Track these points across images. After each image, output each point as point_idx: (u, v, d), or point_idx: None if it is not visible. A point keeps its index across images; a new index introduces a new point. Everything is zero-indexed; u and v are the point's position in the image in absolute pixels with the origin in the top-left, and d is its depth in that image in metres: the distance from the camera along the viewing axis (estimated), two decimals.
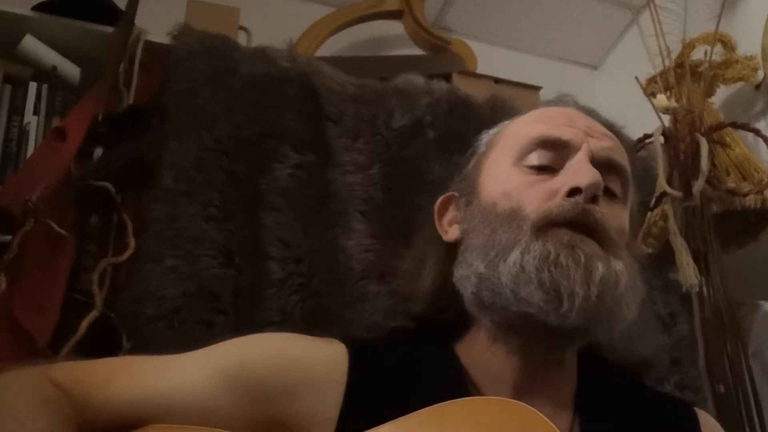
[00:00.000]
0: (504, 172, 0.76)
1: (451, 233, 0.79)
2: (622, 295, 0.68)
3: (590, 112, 0.81)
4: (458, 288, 0.75)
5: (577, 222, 0.68)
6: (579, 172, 0.71)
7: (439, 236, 0.81)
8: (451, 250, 0.77)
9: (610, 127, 0.81)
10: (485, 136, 0.85)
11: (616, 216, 0.73)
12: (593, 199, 0.70)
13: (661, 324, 1.19)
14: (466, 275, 0.73)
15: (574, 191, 0.70)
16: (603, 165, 0.73)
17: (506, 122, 0.84)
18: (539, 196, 0.71)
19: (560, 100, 0.85)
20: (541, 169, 0.74)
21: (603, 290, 0.66)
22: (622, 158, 0.77)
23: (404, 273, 0.87)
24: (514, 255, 0.67)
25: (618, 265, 0.68)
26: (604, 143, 0.76)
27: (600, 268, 0.66)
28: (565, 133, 0.75)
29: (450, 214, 0.81)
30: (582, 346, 0.75)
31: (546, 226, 0.68)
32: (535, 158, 0.74)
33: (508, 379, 0.71)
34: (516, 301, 0.67)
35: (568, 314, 0.65)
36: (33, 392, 0.61)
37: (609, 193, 0.74)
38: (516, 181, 0.73)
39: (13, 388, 0.61)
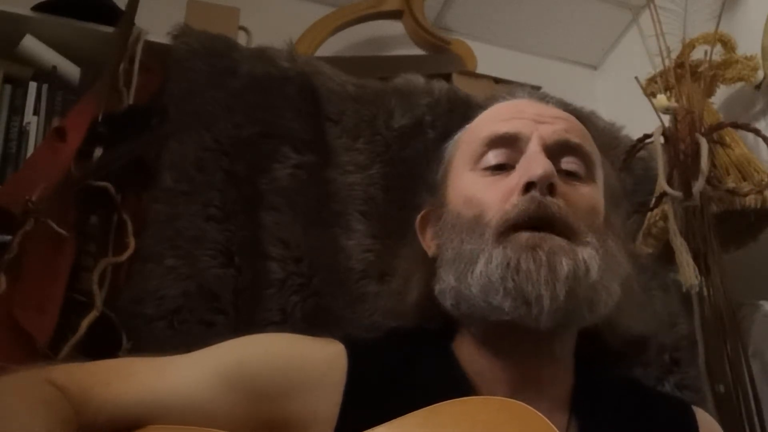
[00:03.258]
0: (464, 179, 0.75)
1: (432, 249, 0.79)
2: (596, 281, 0.67)
3: (543, 98, 0.81)
4: (440, 301, 0.75)
5: (536, 219, 0.68)
6: (530, 165, 0.70)
7: (424, 252, 0.80)
8: (433, 265, 0.77)
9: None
10: (449, 145, 0.84)
11: (581, 195, 0.72)
12: (550, 190, 0.69)
13: (661, 324, 1.19)
14: (443, 289, 0.73)
15: (528, 186, 0.69)
16: (557, 148, 0.73)
17: (466, 126, 0.84)
18: (498, 197, 0.70)
19: (510, 93, 0.84)
20: (499, 168, 0.73)
21: (572, 285, 0.65)
22: (579, 136, 0.76)
23: (392, 291, 0.87)
24: (480, 265, 0.67)
25: (586, 252, 0.67)
26: (555, 126, 0.75)
27: (564, 263, 0.65)
28: (512, 127, 0.74)
29: (430, 229, 0.81)
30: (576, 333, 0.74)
31: (507, 230, 0.68)
32: (490, 159, 0.74)
33: (503, 379, 0.71)
34: (490, 311, 0.68)
35: (540, 317, 0.65)
36: (32, 394, 0.61)
37: (569, 175, 0.73)
38: (475, 186, 0.73)
39: (12, 390, 0.61)
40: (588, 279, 0.66)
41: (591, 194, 0.74)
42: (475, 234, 0.70)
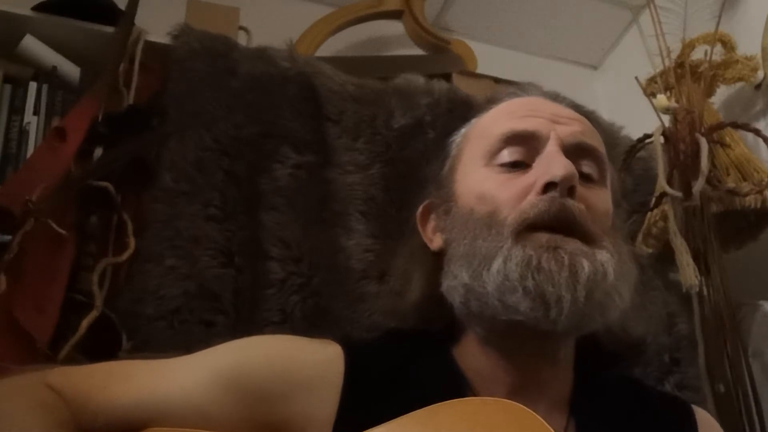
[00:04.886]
0: (477, 175, 0.74)
1: (435, 242, 0.77)
2: (612, 286, 0.66)
3: (555, 98, 0.79)
4: (447, 298, 0.73)
5: (556, 220, 0.67)
6: (551, 164, 0.69)
7: (424, 245, 0.79)
8: (437, 259, 0.76)
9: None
10: (456, 138, 0.83)
11: (598, 199, 0.72)
12: (570, 192, 0.68)
13: (661, 324, 1.19)
14: (453, 286, 0.71)
15: (548, 186, 0.68)
16: (574, 150, 0.72)
17: (473, 121, 0.82)
18: (513, 195, 0.69)
19: (522, 90, 0.82)
20: (514, 166, 0.72)
21: (591, 288, 0.64)
22: (593, 139, 0.75)
23: (392, 290, 0.85)
24: (497, 263, 0.66)
25: (603, 256, 0.66)
26: (572, 128, 0.74)
27: (585, 266, 0.64)
28: (530, 125, 0.73)
29: (432, 222, 0.79)
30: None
31: (525, 229, 0.67)
32: (505, 156, 0.72)
33: (503, 380, 0.70)
34: (504, 310, 0.66)
35: (558, 319, 0.64)
36: (30, 397, 0.61)
37: (585, 178, 0.72)
38: (489, 183, 0.72)
39: (11, 394, 0.62)
40: (605, 283, 0.65)
41: (605, 198, 0.73)
42: (491, 231, 0.68)
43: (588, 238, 0.67)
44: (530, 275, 0.64)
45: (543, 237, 0.66)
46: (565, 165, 0.68)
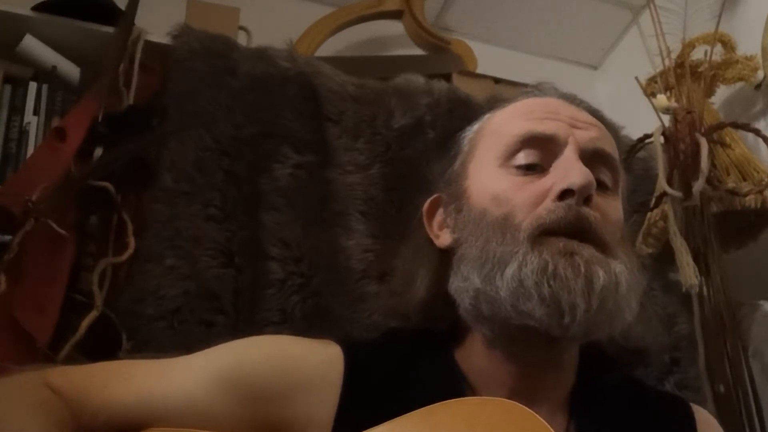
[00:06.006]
0: (491, 174, 0.73)
1: (442, 239, 0.76)
2: (623, 297, 0.66)
3: (573, 100, 0.78)
4: (454, 297, 0.72)
5: (572, 228, 0.66)
6: (569, 171, 0.68)
7: (430, 241, 0.78)
8: (444, 256, 0.75)
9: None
10: (468, 134, 0.81)
11: (612, 208, 0.71)
12: (586, 200, 0.67)
13: (661, 324, 1.19)
14: (463, 287, 0.70)
15: (565, 193, 0.67)
16: (592, 157, 0.71)
17: (486, 116, 0.81)
18: (529, 200, 0.68)
19: (540, 90, 0.80)
20: (529, 168, 0.71)
21: (604, 298, 0.64)
22: (610, 146, 0.74)
23: (395, 285, 0.84)
24: (512, 268, 0.65)
25: (617, 266, 0.66)
26: (590, 133, 0.72)
27: (601, 275, 0.64)
28: (549, 128, 0.71)
29: (439, 217, 0.78)
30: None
31: (540, 234, 0.66)
32: (522, 158, 0.71)
33: (506, 383, 0.70)
34: (517, 315, 0.65)
35: (570, 326, 0.63)
36: (29, 397, 0.61)
37: (600, 186, 0.71)
38: (504, 184, 0.71)
39: (10, 393, 0.62)
40: (617, 294, 0.65)
41: (618, 208, 0.73)
42: (505, 236, 0.67)
43: (602, 247, 0.67)
44: (546, 282, 0.63)
45: (559, 242, 0.65)
46: (584, 173, 0.67)
